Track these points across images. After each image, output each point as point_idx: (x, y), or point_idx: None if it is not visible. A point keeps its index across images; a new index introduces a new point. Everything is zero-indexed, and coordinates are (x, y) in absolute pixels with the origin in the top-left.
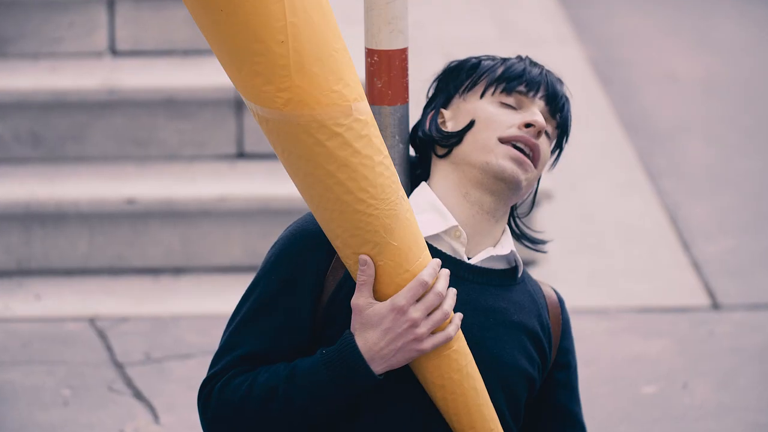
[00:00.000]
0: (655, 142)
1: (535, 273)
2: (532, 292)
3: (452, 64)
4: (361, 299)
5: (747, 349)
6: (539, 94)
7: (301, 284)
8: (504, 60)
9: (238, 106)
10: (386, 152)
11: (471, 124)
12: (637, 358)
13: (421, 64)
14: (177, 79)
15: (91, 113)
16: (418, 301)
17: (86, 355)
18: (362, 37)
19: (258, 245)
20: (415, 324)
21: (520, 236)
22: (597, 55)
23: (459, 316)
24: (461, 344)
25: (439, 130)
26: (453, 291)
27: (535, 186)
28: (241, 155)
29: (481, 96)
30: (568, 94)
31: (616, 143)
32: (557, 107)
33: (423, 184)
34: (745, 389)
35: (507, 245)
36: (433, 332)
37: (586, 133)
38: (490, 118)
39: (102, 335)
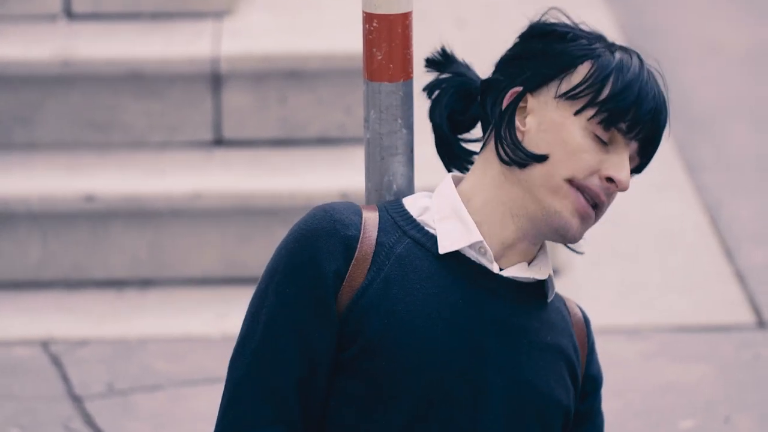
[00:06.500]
0: (694, 128)
1: (557, 285)
2: (560, 308)
3: (554, 35)
4: None
5: None
6: (639, 135)
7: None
8: (611, 71)
9: (215, 81)
10: None
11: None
12: (672, 387)
13: (429, 32)
14: (143, 48)
15: (42, 90)
16: None
17: (39, 386)
18: None
19: (238, 252)
20: None
21: None
22: (628, 21)
23: None
24: None
25: (513, 135)
26: None
27: None
28: (219, 142)
29: (576, 113)
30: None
31: None
32: (652, 150)
33: (449, 179)
34: None
35: (545, 268)
36: None
37: None
38: (574, 153)
39: (57, 362)
